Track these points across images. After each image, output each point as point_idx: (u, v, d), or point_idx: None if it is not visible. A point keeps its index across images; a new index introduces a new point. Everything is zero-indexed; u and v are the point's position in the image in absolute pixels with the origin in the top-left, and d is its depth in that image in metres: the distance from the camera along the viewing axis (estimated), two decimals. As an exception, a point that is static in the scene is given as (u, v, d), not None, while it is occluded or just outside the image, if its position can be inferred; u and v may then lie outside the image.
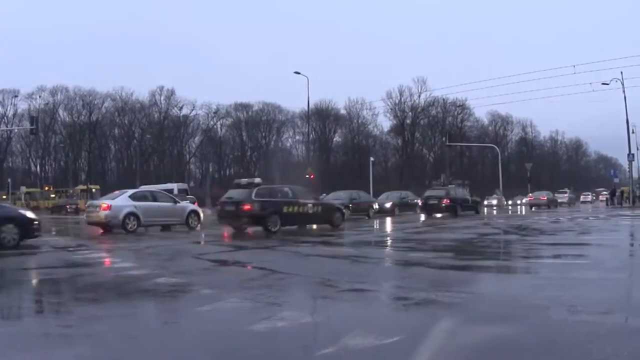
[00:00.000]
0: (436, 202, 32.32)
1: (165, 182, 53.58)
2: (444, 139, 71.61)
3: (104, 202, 20.19)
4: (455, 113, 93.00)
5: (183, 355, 4.40)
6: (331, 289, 7.47)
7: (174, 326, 5.51)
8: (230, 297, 6.63)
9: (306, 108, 65.51)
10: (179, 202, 21.95)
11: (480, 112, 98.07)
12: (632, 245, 14.50)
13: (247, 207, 18.73)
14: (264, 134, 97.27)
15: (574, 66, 46.67)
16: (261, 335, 4.81)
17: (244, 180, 20.95)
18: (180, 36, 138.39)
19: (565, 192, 58.32)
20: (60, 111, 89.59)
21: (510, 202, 68.84)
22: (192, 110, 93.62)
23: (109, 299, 7.10)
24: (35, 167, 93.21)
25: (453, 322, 5.11)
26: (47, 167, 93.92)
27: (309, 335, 4.89)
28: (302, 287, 8.00)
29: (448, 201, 32.06)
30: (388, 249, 14.58)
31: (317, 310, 6.20)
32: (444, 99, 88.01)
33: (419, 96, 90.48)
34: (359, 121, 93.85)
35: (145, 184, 45.75)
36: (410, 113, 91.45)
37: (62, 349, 4.55)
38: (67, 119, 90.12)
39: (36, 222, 14.38)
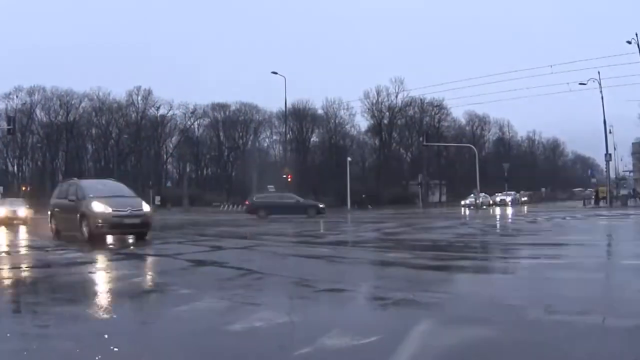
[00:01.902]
0: None
1: (142, 182, 52.79)
2: (421, 139, 71.77)
3: None
4: (433, 113, 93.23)
5: (160, 355, 4.40)
6: (308, 289, 7.49)
7: (152, 326, 5.50)
8: (207, 297, 6.64)
9: (283, 108, 65.55)
10: None
11: (458, 112, 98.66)
12: None
13: None
14: (241, 134, 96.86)
15: (551, 66, 47.14)
16: (238, 335, 4.82)
17: None
18: (157, 36, 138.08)
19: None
20: (38, 111, 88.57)
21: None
22: (170, 110, 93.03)
23: (86, 298, 7.04)
24: (13, 167, 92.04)
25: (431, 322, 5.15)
26: (24, 167, 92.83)
27: (286, 336, 4.90)
28: (279, 287, 8.00)
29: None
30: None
31: (295, 310, 6.22)
32: (421, 99, 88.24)
33: (397, 96, 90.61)
34: (337, 121, 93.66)
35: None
36: (387, 113, 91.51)
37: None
38: (45, 119, 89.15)
39: None
